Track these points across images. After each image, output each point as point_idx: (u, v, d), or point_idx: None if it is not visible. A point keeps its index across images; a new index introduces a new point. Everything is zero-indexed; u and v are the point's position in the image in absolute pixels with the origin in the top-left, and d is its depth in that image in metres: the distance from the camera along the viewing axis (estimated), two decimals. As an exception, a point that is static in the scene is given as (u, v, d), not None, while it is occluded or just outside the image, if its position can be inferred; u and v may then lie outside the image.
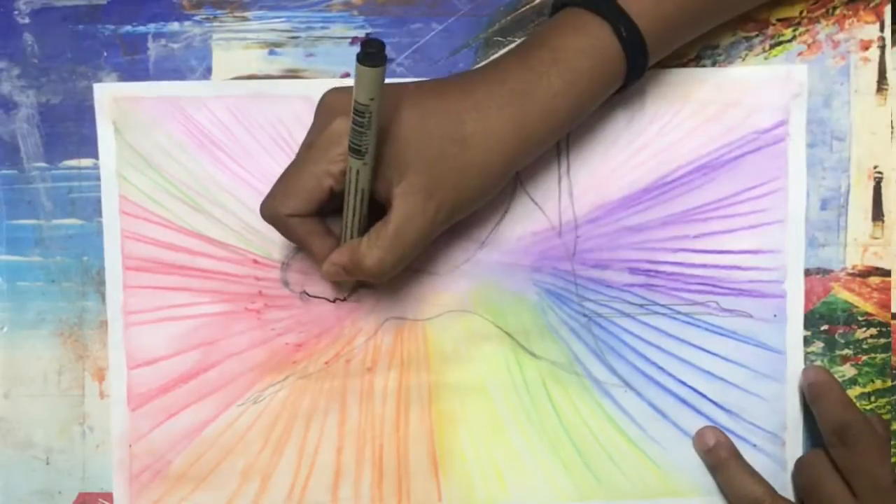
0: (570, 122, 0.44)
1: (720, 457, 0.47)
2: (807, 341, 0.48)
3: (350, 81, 0.48)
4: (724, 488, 0.48)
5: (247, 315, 0.49)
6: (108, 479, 0.49)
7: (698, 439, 0.48)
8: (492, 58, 0.48)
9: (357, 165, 0.41)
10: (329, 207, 0.44)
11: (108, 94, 0.49)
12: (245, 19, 0.49)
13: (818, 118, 0.49)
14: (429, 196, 0.42)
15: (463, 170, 0.42)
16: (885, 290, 0.49)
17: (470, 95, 0.43)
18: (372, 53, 0.38)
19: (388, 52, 0.49)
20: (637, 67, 0.44)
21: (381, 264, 0.42)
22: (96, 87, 0.49)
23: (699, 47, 0.49)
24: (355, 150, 0.41)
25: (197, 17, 0.49)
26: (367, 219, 0.44)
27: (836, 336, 0.49)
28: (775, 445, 0.48)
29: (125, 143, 0.49)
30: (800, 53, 0.49)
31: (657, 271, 0.49)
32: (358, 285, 0.49)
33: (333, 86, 0.45)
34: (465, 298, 0.49)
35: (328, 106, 0.43)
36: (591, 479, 0.49)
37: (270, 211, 0.44)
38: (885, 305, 0.49)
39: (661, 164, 0.49)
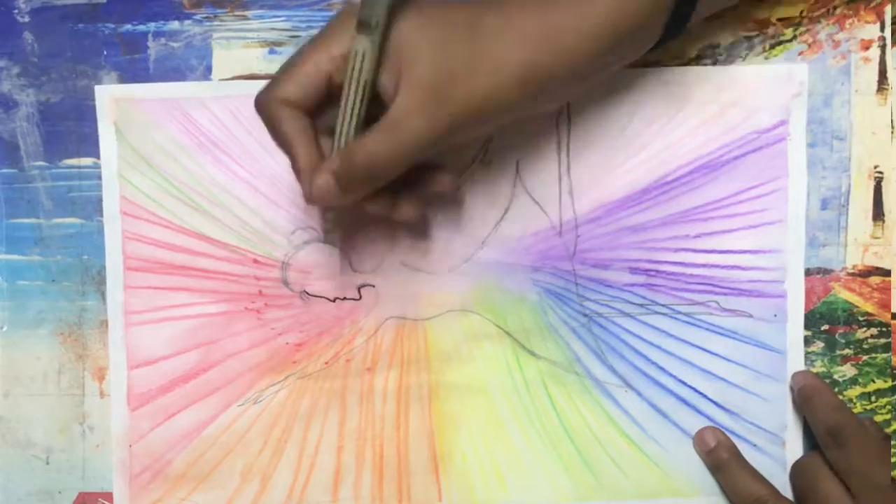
0: (601, 43, 0.39)
1: (721, 458, 0.47)
2: (807, 341, 0.48)
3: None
4: (725, 489, 0.48)
5: (247, 315, 0.49)
6: (107, 478, 0.49)
7: (698, 440, 0.48)
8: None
9: (364, 45, 0.38)
10: (324, 111, 0.41)
11: (110, 96, 0.49)
12: (245, 18, 0.49)
13: (818, 118, 0.49)
14: (435, 93, 0.38)
15: (475, 64, 0.38)
16: (886, 290, 0.49)
17: None
18: None
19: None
20: (681, 17, 0.41)
21: (373, 158, 0.38)
22: (98, 88, 0.49)
23: (699, 47, 0.48)
24: (364, 23, 0.37)
25: (197, 16, 0.49)
26: (363, 128, 0.40)
27: (837, 336, 0.49)
28: (775, 445, 0.48)
29: (126, 144, 0.49)
30: (800, 53, 0.49)
31: (657, 271, 0.49)
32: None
33: None
34: (465, 298, 0.49)
35: (348, 3, 0.41)
36: (591, 479, 0.49)
37: (263, 96, 0.40)
38: (886, 305, 0.49)
39: (661, 164, 0.48)
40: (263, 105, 0.41)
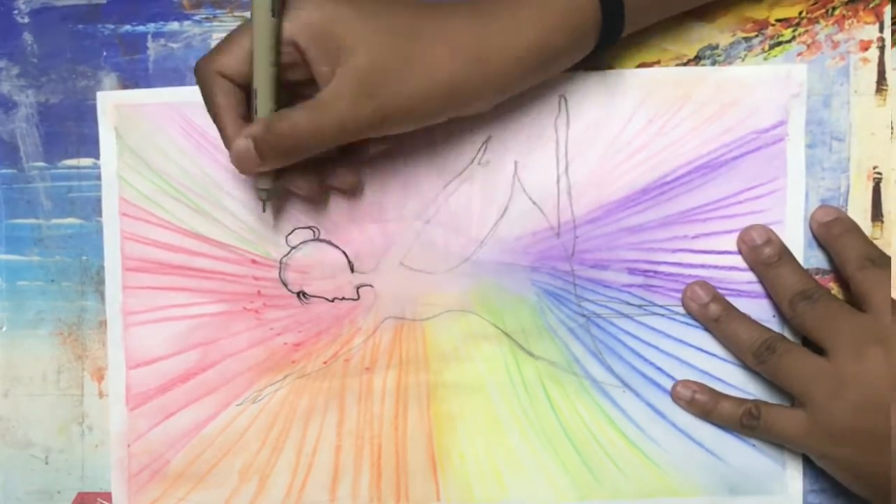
0: (530, 62, 0.42)
1: (717, 310, 0.47)
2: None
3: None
4: (725, 340, 0.48)
5: (245, 315, 0.49)
6: (106, 478, 0.49)
7: (690, 296, 0.48)
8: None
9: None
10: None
11: (111, 102, 0.49)
12: (244, 19, 0.49)
13: (817, 118, 0.49)
14: (362, 86, 0.40)
15: (408, 66, 0.40)
16: (885, 290, 0.49)
17: None
18: None
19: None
20: (611, 31, 0.43)
21: (294, 129, 0.41)
22: (99, 95, 0.49)
23: (699, 47, 0.49)
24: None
25: (196, 17, 0.49)
26: (277, 97, 0.42)
27: (836, 336, 0.49)
28: (774, 446, 0.48)
29: (126, 147, 0.49)
30: (799, 54, 0.49)
31: (656, 272, 0.49)
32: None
33: None
34: (463, 298, 0.49)
35: None
36: (590, 479, 0.49)
37: (202, 65, 0.42)
38: (885, 306, 0.49)
39: (660, 164, 0.48)
40: (201, 73, 0.42)
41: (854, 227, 0.47)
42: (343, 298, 0.49)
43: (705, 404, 0.47)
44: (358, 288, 0.49)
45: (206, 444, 0.49)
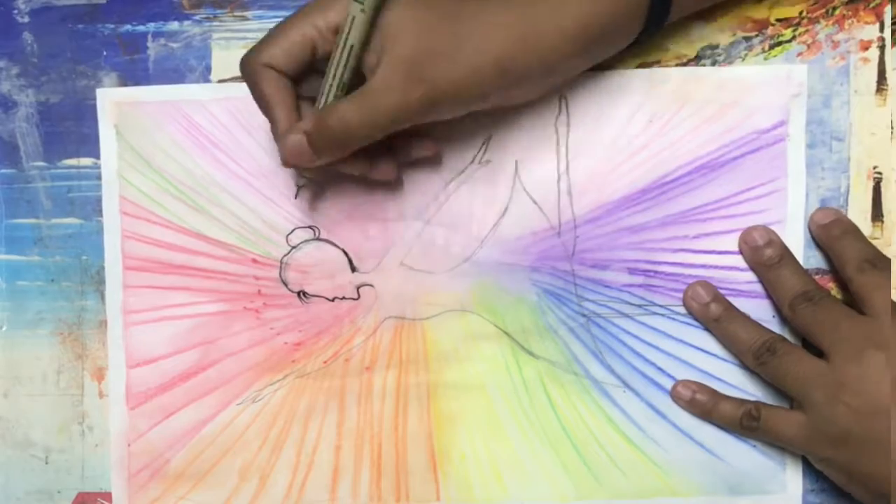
0: (576, 42, 0.41)
1: (717, 310, 0.47)
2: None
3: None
4: (725, 340, 0.48)
5: (246, 314, 0.49)
6: (106, 478, 0.49)
7: (691, 295, 0.48)
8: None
9: (354, 11, 0.40)
10: (306, 79, 0.43)
11: (110, 99, 0.49)
12: (245, 19, 0.49)
13: (818, 118, 0.49)
14: (411, 70, 0.40)
15: (455, 49, 0.40)
16: (885, 290, 0.49)
17: None
18: None
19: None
20: (658, 15, 0.43)
21: (345, 122, 0.40)
22: (99, 91, 0.49)
23: (699, 47, 0.49)
24: None
25: (196, 17, 0.49)
26: (347, 90, 0.42)
27: (836, 336, 0.49)
28: (774, 446, 0.48)
29: (126, 146, 0.49)
30: (799, 54, 0.49)
31: (656, 272, 0.49)
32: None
33: None
34: (464, 298, 0.49)
35: None
36: (591, 479, 0.49)
37: (248, 58, 0.42)
38: (885, 306, 0.49)
39: (660, 164, 0.48)
40: (247, 66, 0.42)
41: (853, 229, 0.47)
42: (343, 298, 0.49)
43: (705, 404, 0.47)
44: (358, 287, 0.49)
45: (206, 443, 0.49)
